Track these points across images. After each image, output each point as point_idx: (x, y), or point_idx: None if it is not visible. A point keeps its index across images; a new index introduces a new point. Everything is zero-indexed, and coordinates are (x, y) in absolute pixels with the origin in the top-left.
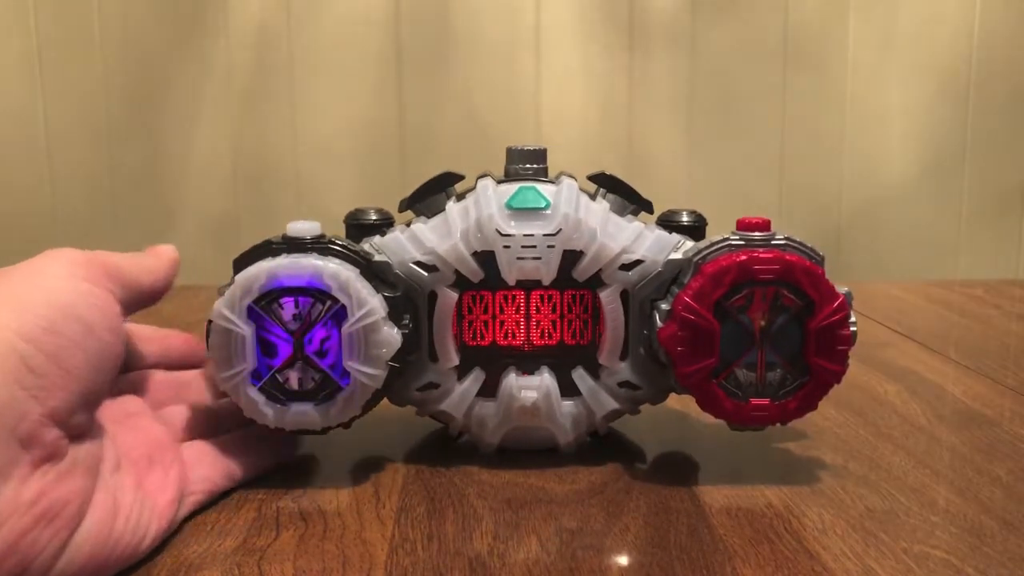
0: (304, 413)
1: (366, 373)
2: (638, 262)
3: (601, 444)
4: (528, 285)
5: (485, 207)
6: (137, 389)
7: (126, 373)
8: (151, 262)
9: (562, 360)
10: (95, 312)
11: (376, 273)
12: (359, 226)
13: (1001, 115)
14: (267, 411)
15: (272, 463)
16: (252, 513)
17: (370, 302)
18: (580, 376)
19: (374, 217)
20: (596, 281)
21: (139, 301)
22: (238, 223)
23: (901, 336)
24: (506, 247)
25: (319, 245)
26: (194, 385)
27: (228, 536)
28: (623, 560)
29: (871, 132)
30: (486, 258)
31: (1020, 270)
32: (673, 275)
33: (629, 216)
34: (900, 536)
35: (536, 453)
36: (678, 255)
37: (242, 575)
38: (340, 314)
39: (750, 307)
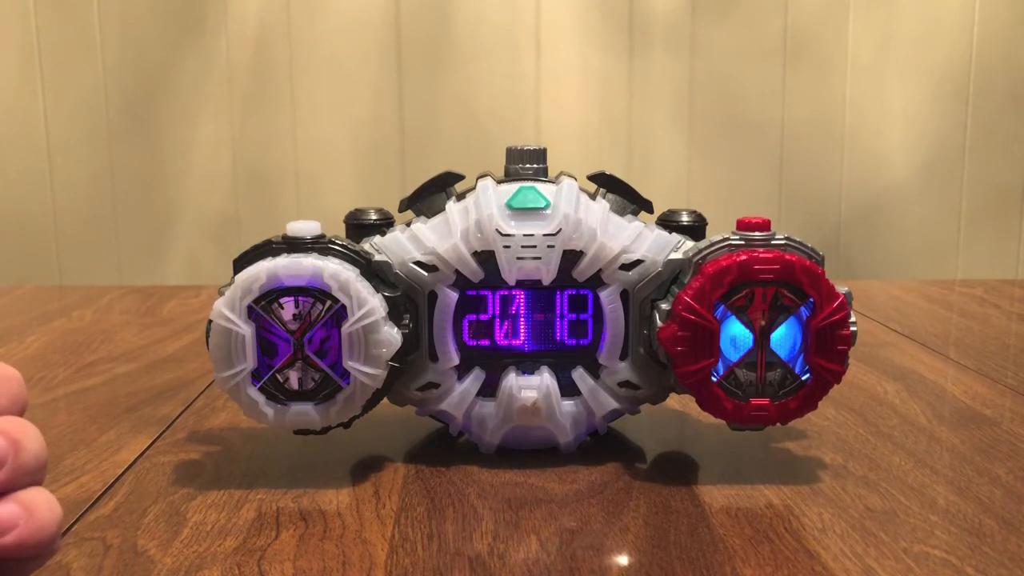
0: (304, 413)
1: (366, 373)
2: (638, 262)
3: (601, 444)
4: (528, 285)
5: (485, 207)
6: None
7: None
8: None
9: (562, 360)
10: None
11: (376, 273)
12: (359, 226)
13: (1001, 115)
14: (267, 411)
15: None
16: (252, 513)
17: (370, 302)
18: (580, 376)
19: (374, 217)
20: (596, 281)
21: None
22: (238, 223)
23: (901, 336)
24: (506, 247)
25: (319, 245)
26: None
27: (228, 536)
28: (623, 560)
29: (871, 132)
30: (486, 258)
31: (1020, 270)
32: (673, 275)
33: (629, 216)
34: (900, 536)
35: (536, 453)
36: (678, 255)
37: (242, 575)
38: (340, 314)
39: (750, 307)
